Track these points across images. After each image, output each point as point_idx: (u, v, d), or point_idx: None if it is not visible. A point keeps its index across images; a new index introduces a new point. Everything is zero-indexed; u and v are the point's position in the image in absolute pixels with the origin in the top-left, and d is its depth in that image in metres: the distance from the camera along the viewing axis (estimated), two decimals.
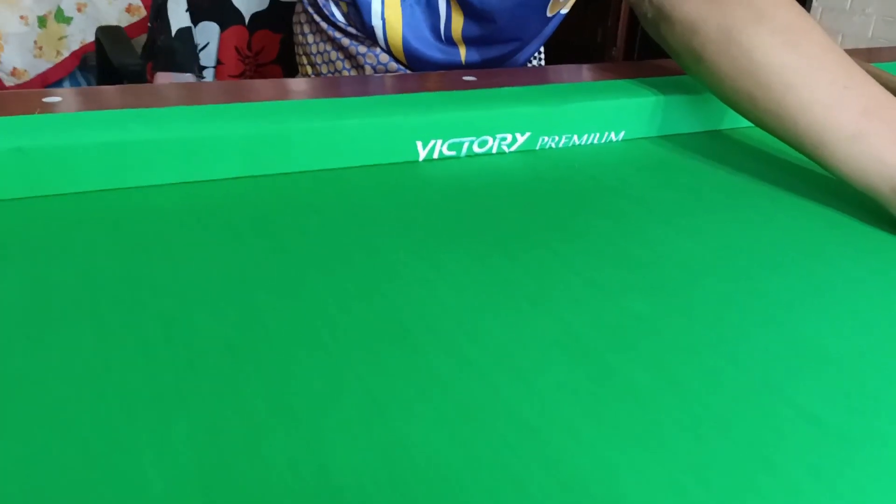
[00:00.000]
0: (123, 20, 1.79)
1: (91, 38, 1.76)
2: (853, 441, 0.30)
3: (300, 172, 0.51)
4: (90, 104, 0.48)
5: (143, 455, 0.26)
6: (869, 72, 0.60)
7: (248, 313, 0.35)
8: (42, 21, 1.74)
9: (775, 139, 0.55)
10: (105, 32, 1.52)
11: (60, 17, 1.75)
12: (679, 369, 0.34)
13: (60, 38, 1.75)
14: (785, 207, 0.53)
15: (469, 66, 0.94)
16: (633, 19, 2.66)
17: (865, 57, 0.65)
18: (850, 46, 2.56)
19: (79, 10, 1.75)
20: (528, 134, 0.58)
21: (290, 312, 0.36)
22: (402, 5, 0.88)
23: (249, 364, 0.32)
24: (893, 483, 0.28)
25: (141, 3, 1.81)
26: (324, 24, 0.92)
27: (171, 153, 0.47)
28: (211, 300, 0.36)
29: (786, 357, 0.35)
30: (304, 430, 0.28)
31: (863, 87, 0.49)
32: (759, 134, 0.65)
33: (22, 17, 1.72)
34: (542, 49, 1.09)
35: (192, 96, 0.53)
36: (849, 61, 0.50)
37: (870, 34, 2.58)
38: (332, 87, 0.66)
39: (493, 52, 0.92)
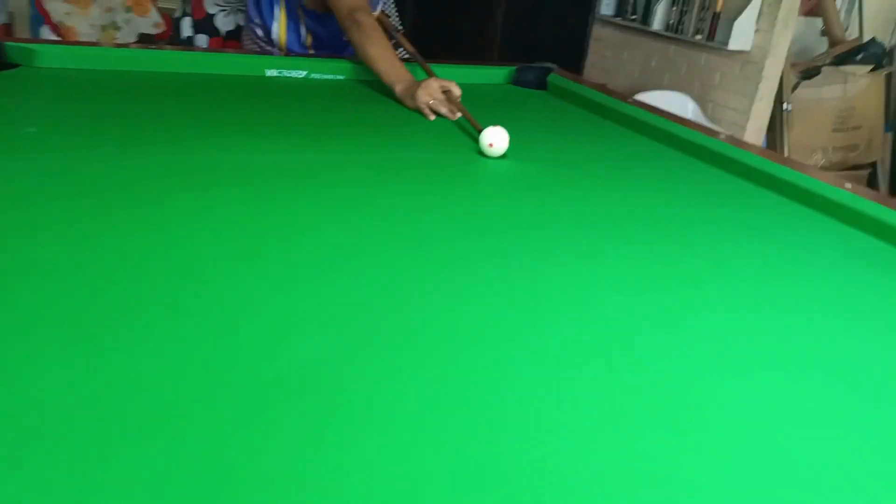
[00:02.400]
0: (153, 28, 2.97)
1: (132, 39, 2.95)
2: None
3: (200, 74, 1.68)
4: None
5: None
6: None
7: (136, 161, 1.52)
8: (103, 28, 2.91)
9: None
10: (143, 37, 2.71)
11: (113, 27, 2.93)
12: (332, 203, 1.51)
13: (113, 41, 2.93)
14: (380, 115, 1.70)
15: None
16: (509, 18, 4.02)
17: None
18: None
19: (126, 23, 2.93)
20: (306, 71, 1.76)
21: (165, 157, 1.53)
22: (286, 29, 2.07)
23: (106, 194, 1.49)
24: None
25: (162, 20, 2.99)
26: (254, 37, 2.11)
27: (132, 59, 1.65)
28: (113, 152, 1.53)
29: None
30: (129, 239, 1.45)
31: (394, 58, 1.68)
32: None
33: (91, 26, 2.89)
34: None
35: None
36: (390, 49, 1.70)
37: None
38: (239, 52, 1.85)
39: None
